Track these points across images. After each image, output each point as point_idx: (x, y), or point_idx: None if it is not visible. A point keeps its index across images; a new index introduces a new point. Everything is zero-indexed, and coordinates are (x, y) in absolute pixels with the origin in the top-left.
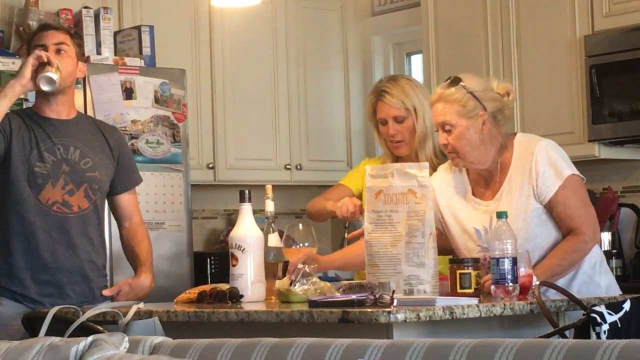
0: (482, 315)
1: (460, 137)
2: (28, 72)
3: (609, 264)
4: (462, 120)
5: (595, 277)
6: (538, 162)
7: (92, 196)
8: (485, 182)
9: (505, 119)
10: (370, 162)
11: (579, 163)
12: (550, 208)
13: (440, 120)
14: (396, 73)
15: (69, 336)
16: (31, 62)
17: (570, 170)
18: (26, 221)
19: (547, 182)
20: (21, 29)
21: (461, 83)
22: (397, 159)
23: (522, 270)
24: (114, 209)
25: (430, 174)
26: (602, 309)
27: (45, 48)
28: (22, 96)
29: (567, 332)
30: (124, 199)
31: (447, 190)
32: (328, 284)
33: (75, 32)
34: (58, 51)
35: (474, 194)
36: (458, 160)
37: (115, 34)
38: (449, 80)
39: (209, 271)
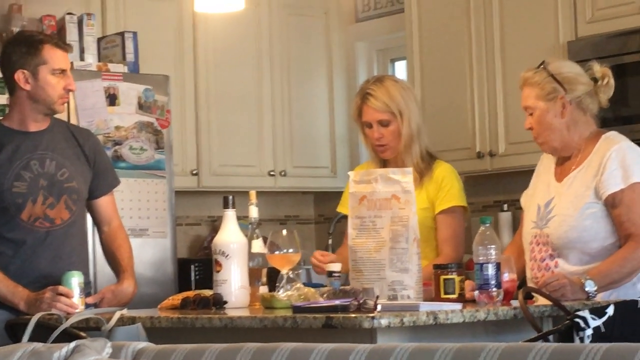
0: (466, 320)
1: (540, 121)
2: (42, 309)
3: None
4: (540, 102)
5: (638, 285)
6: (610, 159)
7: (72, 207)
8: (562, 163)
9: (594, 103)
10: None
11: None
12: (611, 207)
13: (523, 104)
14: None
15: (52, 342)
16: (50, 308)
17: None
18: (10, 240)
19: (610, 179)
20: (4, 35)
21: (543, 66)
22: (383, 161)
23: (506, 276)
24: (92, 213)
25: (415, 179)
26: (585, 313)
27: (64, 72)
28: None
29: (550, 338)
30: (102, 203)
31: (542, 166)
32: (312, 289)
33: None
34: (63, 71)
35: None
36: (544, 146)
37: (99, 40)
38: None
39: (192, 277)
